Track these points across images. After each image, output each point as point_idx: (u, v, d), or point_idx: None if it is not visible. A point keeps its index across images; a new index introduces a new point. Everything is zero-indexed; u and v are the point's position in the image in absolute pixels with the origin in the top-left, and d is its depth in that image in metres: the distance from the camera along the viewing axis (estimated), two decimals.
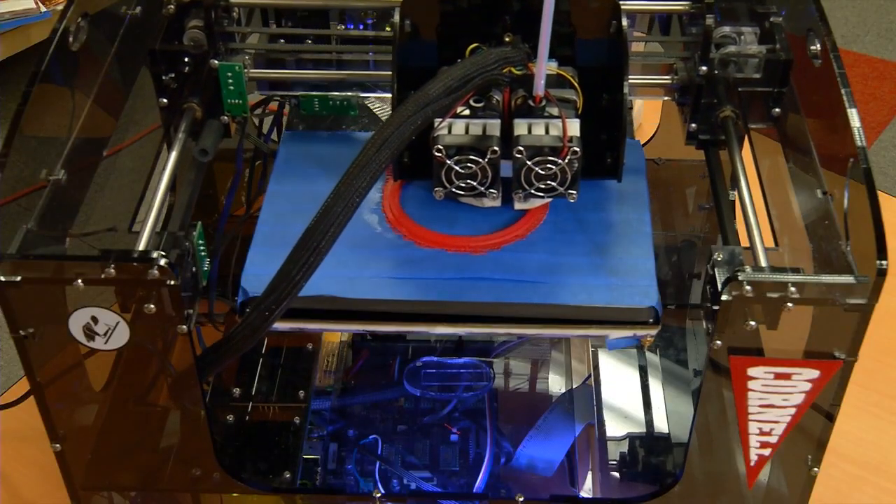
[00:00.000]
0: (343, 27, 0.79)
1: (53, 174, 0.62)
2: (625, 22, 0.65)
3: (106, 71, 0.71)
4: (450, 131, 0.62)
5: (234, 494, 0.71)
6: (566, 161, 0.61)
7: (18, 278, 0.58)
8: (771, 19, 0.68)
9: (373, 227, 0.69)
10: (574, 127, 0.62)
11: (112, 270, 0.56)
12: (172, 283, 0.57)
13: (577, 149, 0.61)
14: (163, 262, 0.56)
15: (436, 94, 0.58)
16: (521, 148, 0.61)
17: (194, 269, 0.61)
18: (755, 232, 0.61)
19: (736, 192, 0.67)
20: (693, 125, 0.71)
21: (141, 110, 0.77)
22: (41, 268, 0.58)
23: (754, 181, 0.69)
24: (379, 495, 0.71)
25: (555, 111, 0.62)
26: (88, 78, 0.69)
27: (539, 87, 0.62)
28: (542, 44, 0.58)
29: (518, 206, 0.68)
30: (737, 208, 0.66)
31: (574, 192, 0.63)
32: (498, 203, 0.67)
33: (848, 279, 0.56)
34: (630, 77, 0.71)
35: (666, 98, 0.74)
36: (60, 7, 0.73)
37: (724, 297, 0.56)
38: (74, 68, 0.68)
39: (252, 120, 0.78)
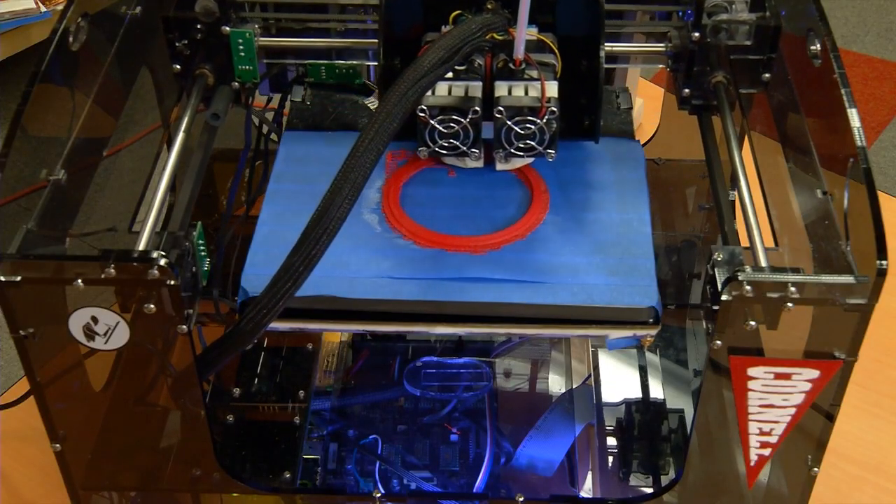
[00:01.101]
0: None
1: (53, 174, 0.62)
2: None
3: (106, 71, 0.71)
4: (433, 93, 0.64)
5: (234, 494, 0.71)
6: (544, 121, 0.64)
7: (18, 278, 0.58)
8: None
9: (373, 227, 0.69)
10: (552, 88, 0.64)
11: (112, 270, 0.56)
12: (172, 283, 0.57)
13: (555, 109, 0.63)
14: (163, 262, 0.56)
15: (428, 66, 0.60)
16: (501, 108, 0.63)
17: (194, 269, 0.61)
18: (755, 232, 0.61)
19: (736, 192, 0.67)
20: (686, 90, 0.73)
21: (141, 110, 0.77)
22: (41, 268, 0.58)
23: (754, 181, 0.69)
24: (379, 495, 0.71)
25: (534, 74, 0.65)
26: (88, 78, 0.69)
27: (519, 51, 0.64)
28: (522, 9, 0.60)
29: (500, 166, 0.70)
30: (737, 208, 0.66)
31: (552, 151, 0.65)
32: (480, 164, 0.69)
33: (848, 279, 0.56)
34: (625, 45, 0.76)
35: (660, 66, 0.76)
36: (60, 7, 0.73)
37: (724, 297, 0.56)
38: (74, 68, 0.68)
39: (254, 120, 0.78)
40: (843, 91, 0.60)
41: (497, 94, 0.64)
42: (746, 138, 0.74)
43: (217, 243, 0.68)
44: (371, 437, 0.80)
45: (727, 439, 0.68)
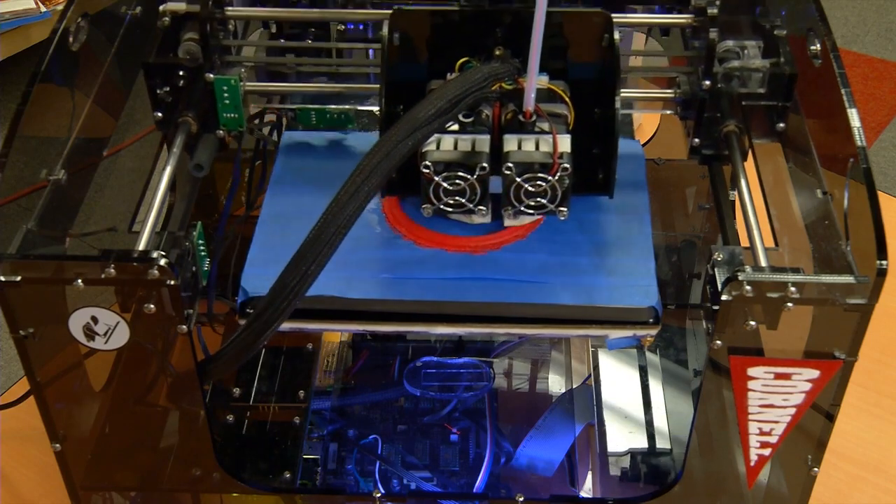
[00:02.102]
0: (343, 27, 0.78)
1: (53, 174, 0.62)
2: (617, 35, 0.64)
3: (106, 71, 0.71)
4: (438, 147, 0.61)
5: (234, 494, 0.71)
6: (556, 178, 0.61)
7: (18, 278, 0.58)
8: (775, 32, 0.67)
9: (373, 227, 0.69)
10: (565, 143, 0.61)
11: (112, 270, 0.56)
12: (172, 283, 0.57)
13: (568, 165, 0.60)
14: (163, 262, 0.56)
15: (425, 117, 0.57)
16: (510, 164, 0.60)
17: (194, 269, 0.61)
18: (755, 232, 0.61)
19: (736, 192, 0.67)
20: (696, 140, 0.69)
21: (141, 110, 0.77)
22: (41, 268, 0.58)
23: (754, 181, 0.69)
24: (379, 495, 0.71)
25: (545, 126, 0.61)
26: (88, 78, 0.69)
27: (529, 102, 0.61)
28: (532, 58, 0.58)
29: (508, 222, 0.67)
30: (737, 208, 0.66)
31: (564, 209, 0.62)
32: (488, 220, 0.66)
33: (848, 279, 0.56)
34: (632, 90, 0.71)
35: (668, 112, 0.73)
36: (60, 7, 0.73)
37: (724, 297, 0.56)
38: (74, 68, 0.68)
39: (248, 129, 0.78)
40: (843, 91, 0.60)
41: (506, 148, 0.61)
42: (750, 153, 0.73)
43: (215, 244, 0.68)
44: (371, 437, 0.80)
45: (727, 439, 0.68)
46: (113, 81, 0.72)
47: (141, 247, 0.59)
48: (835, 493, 0.81)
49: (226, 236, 0.71)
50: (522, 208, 0.62)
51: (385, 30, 0.64)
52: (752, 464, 0.64)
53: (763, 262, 0.59)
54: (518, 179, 0.60)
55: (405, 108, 0.59)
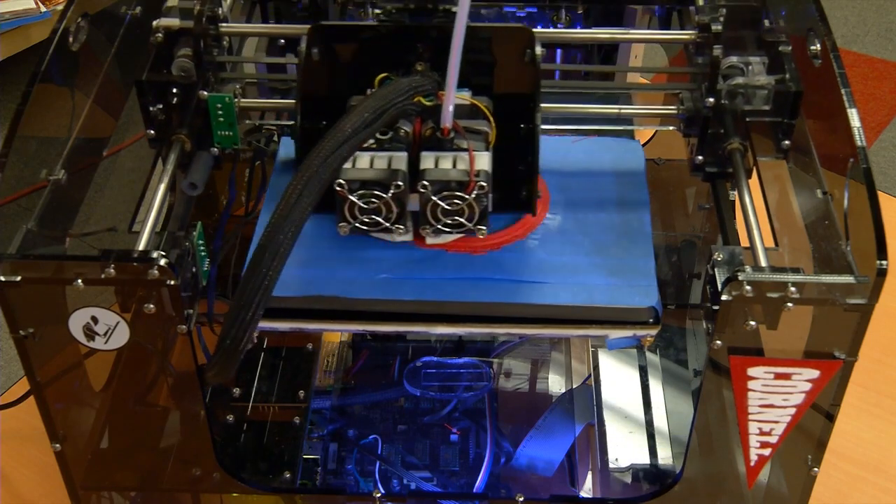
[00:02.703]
0: None
1: (53, 174, 0.62)
2: (539, 50, 0.63)
3: (106, 71, 0.71)
4: (353, 164, 0.59)
5: (234, 494, 0.71)
6: (473, 196, 0.59)
7: (18, 278, 0.58)
8: (780, 49, 0.66)
9: None
10: (482, 161, 0.59)
11: (112, 270, 0.56)
12: (172, 283, 0.57)
13: (485, 184, 0.58)
14: (163, 262, 0.56)
15: (352, 129, 0.56)
16: (426, 182, 0.59)
17: (194, 269, 0.61)
18: (755, 232, 0.61)
19: (736, 192, 0.67)
20: (699, 157, 0.68)
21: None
22: (41, 268, 0.58)
23: (754, 181, 0.69)
24: (379, 495, 0.71)
25: (463, 144, 0.60)
26: (88, 78, 0.69)
27: (447, 119, 0.59)
28: (450, 72, 0.56)
29: (429, 241, 0.65)
30: (737, 208, 0.66)
31: (483, 227, 0.61)
32: (409, 238, 0.64)
33: (848, 279, 0.56)
34: (634, 107, 0.70)
35: (671, 128, 0.72)
36: (60, 7, 0.73)
37: (724, 297, 0.56)
38: (74, 68, 0.68)
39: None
40: (843, 91, 0.60)
41: (423, 166, 0.59)
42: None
43: (215, 244, 0.68)
44: (371, 437, 0.80)
45: (727, 439, 0.68)
46: (113, 81, 0.72)
47: (141, 247, 0.59)
48: (835, 493, 0.81)
49: (226, 240, 0.71)
50: (440, 227, 0.61)
51: (303, 44, 0.63)
52: (752, 464, 0.64)
53: (763, 262, 0.59)
54: (434, 198, 0.59)
55: (327, 124, 0.57)
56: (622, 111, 0.70)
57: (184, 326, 0.59)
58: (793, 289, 0.56)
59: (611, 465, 0.77)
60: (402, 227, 0.61)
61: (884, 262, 0.54)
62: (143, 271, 0.56)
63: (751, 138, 0.67)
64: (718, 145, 0.67)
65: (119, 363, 0.71)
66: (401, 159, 0.60)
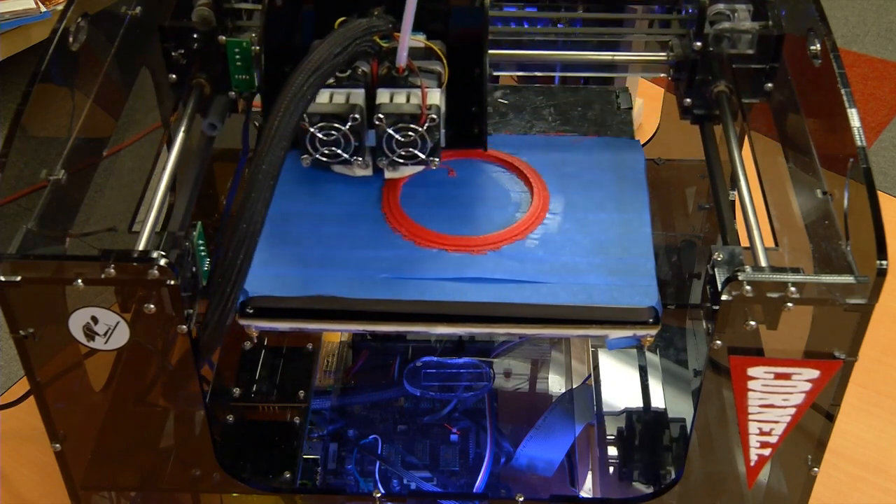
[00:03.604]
0: None
1: (53, 174, 0.62)
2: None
3: (106, 71, 0.71)
4: (314, 100, 0.63)
5: (234, 494, 0.71)
6: (425, 128, 0.62)
7: (18, 278, 0.58)
8: None
9: (373, 227, 0.69)
10: (434, 96, 0.63)
11: (112, 270, 0.56)
12: (172, 282, 0.57)
13: (436, 116, 0.62)
14: (163, 262, 0.56)
15: (319, 59, 0.60)
16: (381, 115, 0.62)
17: (194, 269, 0.61)
18: (755, 232, 0.61)
19: (736, 192, 0.67)
20: (688, 100, 0.72)
21: (141, 110, 0.77)
22: (41, 268, 0.58)
23: (754, 181, 0.69)
24: (379, 495, 0.71)
25: (417, 81, 0.64)
26: (88, 78, 0.69)
27: (402, 58, 0.63)
28: (406, 14, 0.60)
29: (388, 174, 0.68)
30: (737, 208, 0.66)
31: (435, 158, 0.64)
32: (369, 172, 0.68)
33: (848, 279, 0.56)
34: (627, 54, 0.75)
35: (662, 75, 0.76)
36: (60, 7, 0.73)
37: (724, 297, 0.56)
38: (74, 68, 0.68)
39: (254, 123, 0.78)
40: (843, 91, 0.60)
41: (378, 100, 0.63)
42: (746, 139, 0.74)
43: (217, 243, 0.68)
44: (371, 437, 0.80)
45: (727, 439, 0.68)
46: (113, 81, 0.72)
47: (141, 247, 0.59)
48: (835, 493, 0.81)
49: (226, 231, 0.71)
50: (395, 158, 0.64)
51: None
52: (752, 464, 0.64)
53: (763, 262, 0.59)
54: (389, 130, 0.63)
55: (289, 69, 0.61)
56: (615, 58, 0.74)
57: (184, 326, 0.59)
58: (793, 289, 0.56)
59: (611, 465, 0.77)
60: (360, 159, 0.64)
61: (884, 262, 0.54)
62: (143, 271, 0.56)
63: (736, 81, 0.71)
64: (706, 88, 0.72)
65: (119, 363, 0.71)
66: (358, 95, 0.63)
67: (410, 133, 0.62)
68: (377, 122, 0.62)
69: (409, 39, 0.62)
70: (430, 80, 0.64)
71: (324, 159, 0.64)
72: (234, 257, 0.57)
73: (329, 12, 0.65)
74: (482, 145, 0.69)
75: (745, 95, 0.71)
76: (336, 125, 0.62)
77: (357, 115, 0.62)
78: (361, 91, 0.64)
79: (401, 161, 0.64)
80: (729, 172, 0.70)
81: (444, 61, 0.65)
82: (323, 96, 0.63)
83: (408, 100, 0.63)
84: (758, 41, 0.69)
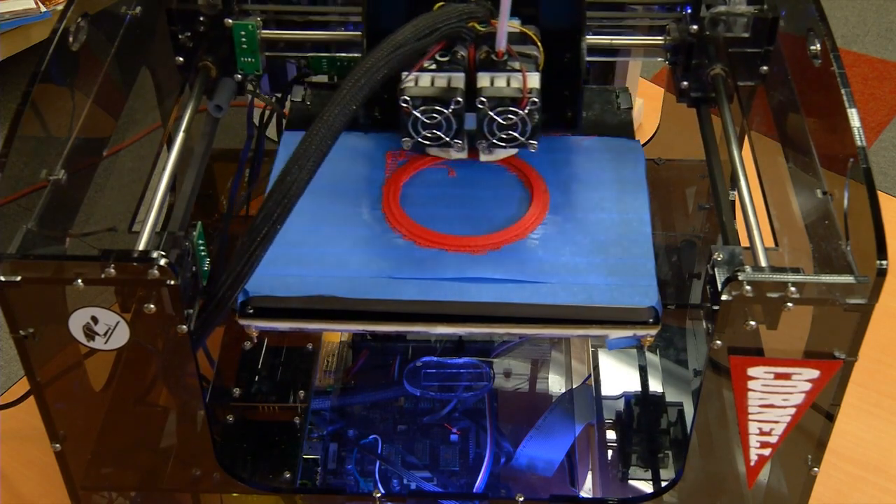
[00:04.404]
0: None
1: (53, 174, 0.62)
2: None
3: (106, 71, 0.71)
4: (416, 84, 0.64)
5: (234, 494, 0.71)
6: (526, 112, 0.64)
7: (18, 278, 0.58)
8: None
9: (373, 227, 0.69)
10: (534, 79, 0.64)
11: (112, 270, 0.56)
12: (172, 282, 0.57)
13: (537, 100, 0.63)
14: (163, 262, 0.56)
15: (403, 38, 0.61)
16: (483, 99, 0.64)
17: (194, 268, 0.61)
18: (755, 232, 0.61)
19: (736, 192, 0.67)
20: (685, 83, 0.74)
21: (141, 110, 0.77)
22: (41, 268, 0.58)
23: (754, 181, 0.69)
24: (379, 495, 0.71)
25: (516, 65, 0.65)
26: (88, 78, 0.69)
27: (501, 43, 0.64)
28: (504, 1, 0.61)
29: (483, 157, 0.70)
30: (737, 208, 0.66)
31: (534, 141, 0.65)
32: (464, 155, 0.69)
33: (848, 279, 0.56)
34: (624, 38, 0.76)
35: (659, 59, 0.77)
36: (60, 7, 0.73)
37: (724, 297, 0.56)
38: (74, 68, 0.68)
39: (253, 122, 0.79)
40: (843, 91, 0.60)
41: (479, 84, 0.65)
42: (746, 138, 0.74)
43: (217, 243, 0.68)
44: (371, 437, 0.80)
45: (727, 439, 0.68)
46: (113, 81, 0.72)
47: (141, 247, 0.59)
48: (835, 493, 0.81)
49: (223, 232, 0.71)
50: (495, 140, 0.65)
51: None
52: (752, 464, 0.64)
53: (763, 262, 0.59)
54: (491, 113, 0.64)
55: None
56: (612, 42, 0.76)
57: (184, 326, 0.59)
58: (793, 289, 0.56)
59: (611, 465, 0.77)
60: (459, 141, 0.66)
61: (884, 262, 0.54)
62: (143, 271, 0.56)
63: (732, 64, 0.72)
64: (702, 71, 0.73)
65: (119, 363, 0.71)
66: (459, 79, 0.65)
67: (511, 116, 0.64)
68: (479, 106, 0.64)
69: (507, 24, 0.63)
70: (528, 64, 0.65)
71: (426, 143, 0.66)
72: (266, 221, 0.56)
73: None
74: (577, 129, 0.73)
75: (741, 78, 0.73)
76: (438, 108, 0.64)
77: (459, 99, 0.64)
78: (462, 75, 0.65)
79: (501, 144, 0.65)
80: (729, 172, 0.70)
81: (540, 46, 0.67)
82: (424, 80, 0.64)
83: (508, 83, 0.64)
84: (753, 24, 0.70)
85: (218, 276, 0.59)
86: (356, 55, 0.79)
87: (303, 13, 0.77)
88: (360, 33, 0.75)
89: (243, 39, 0.72)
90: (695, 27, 0.71)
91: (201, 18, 0.72)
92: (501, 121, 0.64)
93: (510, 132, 0.65)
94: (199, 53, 0.73)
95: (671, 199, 0.94)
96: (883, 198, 0.65)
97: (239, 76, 0.74)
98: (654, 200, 0.72)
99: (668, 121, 0.98)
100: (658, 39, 0.75)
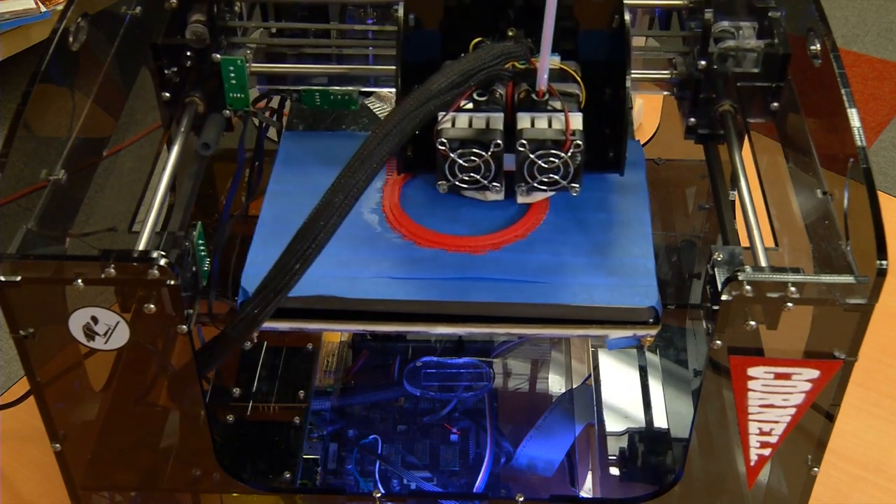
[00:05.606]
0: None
1: (53, 174, 0.63)
2: (627, 17, 0.66)
3: (106, 71, 0.71)
4: (453, 125, 0.62)
5: (234, 494, 0.71)
6: (569, 154, 0.61)
7: (18, 278, 0.58)
8: (769, 14, 0.68)
9: (373, 227, 0.69)
10: (577, 120, 0.62)
11: (112, 270, 0.56)
12: (172, 282, 0.57)
13: (580, 142, 0.61)
14: (163, 262, 0.56)
15: (438, 89, 0.58)
16: (524, 141, 0.61)
17: (194, 268, 0.61)
18: (755, 232, 0.61)
19: (736, 192, 0.67)
20: (692, 119, 0.71)
21: (141, 110, 0.77)
22: (41, 268, 0.58)
23: (754, 181, 0.69)
24: (379, 495, 0.71)
25: (557, 105, 0.63)
26: (88, 78, 0.69)
27: (542, 81, 0.62)
28: (545, 38, 0.58)
29: (521, 199, 0.68)
30: (737, 208, 0.66)
31: (577, 185, 0.63)
32: (501, 197, 0.67)
33: (848, 279, 0.56)
34: (630, 71, 0.71)
35: (665, 93, 0.74)
36: (60, 7, 0.73)
37: (724, 297, 0.56)
38: (74, 68, 0.68)
39: (253, 121, 0.78)
40: (843, 91, 0.60)
41: (520, 125, 0.62)
42: (746, 137, 0.74)
43: (215, 244, 0.68)
44: (371, 437, 0.80)
45: (727, 439, 0.68)
46: (113, 81, 0.72)
47: (141, 247, 0.59)
48: (835, 493, 0.81)
49: (223, 233, 0.71)
50: (535, 184, 0.63)
51: (401, 11, 0.66)
52: (752, 464, 0.64)
53: (763, 262, 0.59)
54: (532, 156, 0.61)
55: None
56: (631, 75, 0.71)
57: (184, 326, 0.59)
58: (793, 289, 0.56)
59: (611, 465, 0.77)
60: (497, 184, 0.64)
61: (884, 262, 0.54)
62: (143, 271, 0.56)
63: (741, 100, 0.69)
64: (710, 107, 0.70)
65: (119, 363, 0.71)
66: (498, 119, 0.62)
67: (553, 159, 0.61)
68: (520, 148, 0.61)
69: (548, 63, 0.61)
70: (570, 103, 0.63)
71: (463, 185, 0.63)
72: (294, 260, 0.55)
73: (463, 33, 0.65)
74: (619, 170, 0.68)
75: (751, 115, 0.70)
76: (477, 151, 0.62)
77: (500, 141, 0.61)
78: (500, 115, 0.63)
79: (541, 188, 0.63)
80: (729, 172, 0.70)
81: (581, 84, 0.64)
82: (462, 120, 0.62)
83: (549, 124, 0.62)
84: (763, 60, 0.68)
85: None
86: (350, 88, 0.75)
87: (294, 46, 0.75)
88: (354, 67, 0.74)
89: (232, 75, 0.69)
90: (702, 62, 0.68)
91: (188, 53, 0.69)
92: (543, 164, 0.62)
93: (551, 175, 0.62)
94: (185, 88, 0.70)
95: (671, 199, 0.94)
96: (883, 198, 0.65)
97: (228, 112, 0.71)
98: (654, 200, 0.72)
99: (668, 121, 0.98)
100: (664, 74, 0.73)
